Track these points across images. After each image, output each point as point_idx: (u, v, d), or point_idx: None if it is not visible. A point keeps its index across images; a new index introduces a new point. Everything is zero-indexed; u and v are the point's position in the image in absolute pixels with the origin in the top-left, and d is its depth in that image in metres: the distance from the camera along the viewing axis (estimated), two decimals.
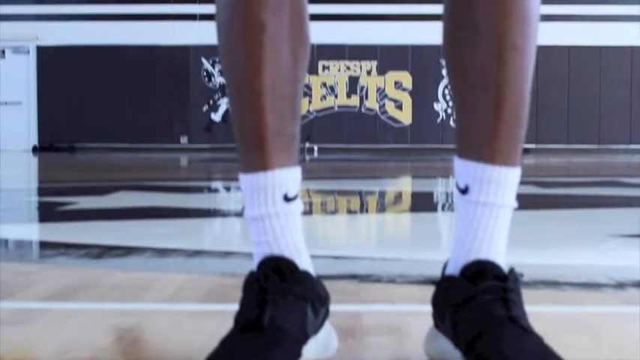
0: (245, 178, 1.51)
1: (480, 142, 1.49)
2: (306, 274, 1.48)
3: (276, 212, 1.48)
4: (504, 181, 1.48)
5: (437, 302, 1.51)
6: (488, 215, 1.48)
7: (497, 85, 1.46)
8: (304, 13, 1.54)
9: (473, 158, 1.49)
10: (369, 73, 19.27)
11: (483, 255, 1.48)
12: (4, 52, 19.56)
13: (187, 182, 8.45)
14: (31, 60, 19.45)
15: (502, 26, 1.46)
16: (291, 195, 1.50)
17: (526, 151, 11.90)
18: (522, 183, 1.51)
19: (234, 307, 1.44)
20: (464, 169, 1.51)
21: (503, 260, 1.48)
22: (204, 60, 19.13)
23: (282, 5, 1.48)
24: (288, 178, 1.49)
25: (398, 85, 19.25)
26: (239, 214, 4.78)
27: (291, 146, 1.51)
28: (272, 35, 1.46)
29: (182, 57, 19.16)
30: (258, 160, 1.48)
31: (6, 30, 19.18)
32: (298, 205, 1.51)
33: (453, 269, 1.50)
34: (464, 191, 1.51)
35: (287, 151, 1.50)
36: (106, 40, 19.03)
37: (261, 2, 1.46)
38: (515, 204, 1.50)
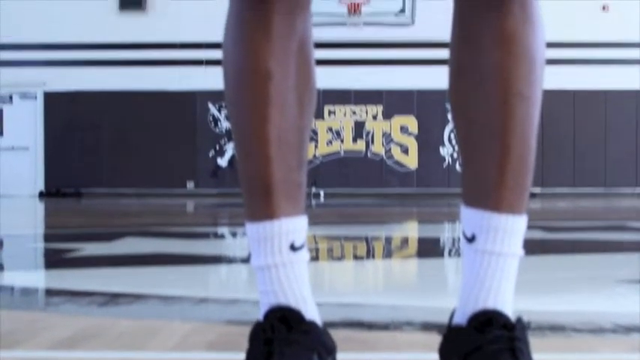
0: (251, 227, 1.50)
1: (487, 190, 1.48)
2: (312, 324, 1.47)
3: (282, 262, 1.48)
4: (511, 230, 1.48)
5: (444, 352, 1.50)
6: (495, 264, 1.48)
7: (503, 134, 1.46)
8: (311, 62, 1.54)
9: (479, 206, 1.49)
10: (374, 117, 19.32)
11: (490, 304, 1.47)
12: (11, 97, 19.66)
13: (194, 228, 8.44)
14: (38, 105, 19.54)
15: (507, 74, 1.46)
16: (297, 244, 1.50)
17: (532, 195, 11.88)
18: (529, 227, 1.50)
19: (241, 356, 1.43)
20: (470, 217, 1.51)
21: (511, 309, 1.48)
22: (210, 105, 19.20)
23: (289, 54, 1.49)
24: (295, 227, 1.49)
25: (404, 129, 19.29)
26: (245, 260, 4.77)
27: (298, 195, 1.51)
28: (278, 84, 1.47)
29: (188, 102, 19.24)
30: (264, 209, 1.48)
31: (13, 76, 19.30)
32: (304, 255, 1.50)
33: (460, 318, 1.49)
34: (470, 240, 1.50)
35: (293, 199, 1.50)
36: (112, 86, 19.13)
37: (268, 51, 1.47)
38: (522, 253, 1.49)
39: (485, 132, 1.48)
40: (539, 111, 1.51)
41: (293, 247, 1.49)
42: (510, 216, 1.47)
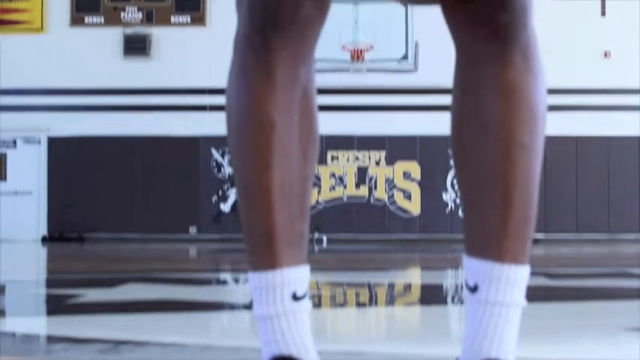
0: (253, 277, 1.51)
1: (489, 240, 1.49)
2: None
3: (284, 311, 1.48)
4: (514, 280, 1.48)
5: None
6: (498, 314, 1.48)
7: (505, 184, 1.47)
8: (314, 111, 1.55)
9: (482, 256, 1.49)
10: (377, 163, 19.35)
11: (494, 354, 1.46)
12: (15, 142, 19.71)
13: (196, 274, 8.42)
14: (42, 150, 19.59)
15: (509, 125, 1.47)
16: (299, 294, 1.50)
17: (535, 241, 11.87)
18: (532, 274, 1.50)
19: None
20: (473, 267, 1.51)
21: (514, 358, 1.47)
22: (213, 150, 19.25)
23: (293, 104, 1.49)
24: (297, 276, 1.49)
25: (407, 175, 19.31)
26: (248, 307, 4.75)
27: (300, 244, 1.51)
28: (282, 134, 1.48)
29: (192, 147, 19.28)
30: (266, 258, 1.48)
31: (17, 121, 19.37)
32: (307, 304, 1.50)
33: None
34: (473, 290, 1.50)
35: (296, 249, 1.50)
36: (116, 131, 19.19)
37: (272, 101, 1.47)
38: (525, 303, 1.49)
39: (487, 182, 1.48)
40: (542, 160, 1.52)
41: (295, 297, 1.49)
42: (513, 266, 1.47)
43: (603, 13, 19.31)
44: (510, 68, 1.47)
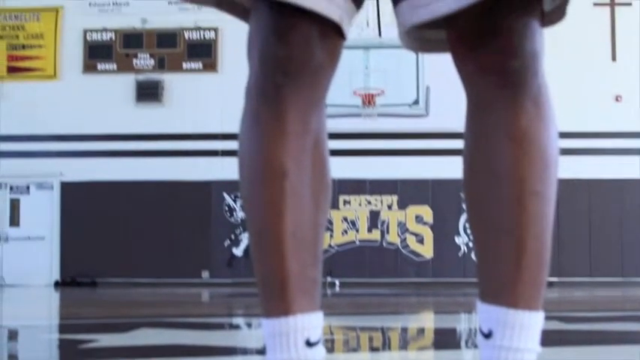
0: (267, 323, 1.51)
1: (503, 286, 1.49)
2: None
3: (298, 358, 1.48)
4: (528, 326, 1.48)
5: None
6: None
7: (518, 231, 1.47)
8: (325, 159, 1.56)
9: (495, 302, 1.49)
10: (389, 207, 19.35)
11: None
12: (28, 188, 19.79)
13: (209, 318, 8.40)
14: (55, 195, 19.66)
15: (522, 172, 1.48)
16: (313, 340, 1.50)
17: (549, 284, 11.83)
18: (546, 318, 1.50)
19: None
20: (487, 313, 1.51)
21: None
22: (225, 195, 19.28)
23: (305, 152, 1.50)
24: (310, 323, 1.49)
25: (419, 219, 19.30)
26: (261, 352, 4.73)
27: (313, 291, 1.52)
28: (294, 181, 1.49)
29: (204, 192, 19.32)
30: (279, 305, 1.49)
31: (31, 166, 19.47)
32: (320, 350, 1.50)
33: None
34: (487, 335, 1.50)
35: (309, 295, 1.50)
36: (128, 176, 19.26)
37: (284, 149, 1.48)
38: (539, 349, 1.49)
39: (500, 229, 1.49)
40: (554, 205, 1.52)
41: (309, 343, 1.49)
42: (527, 312, 1.47)
43: (614, 58, 19.37)
44: (522, 115, 1.48)
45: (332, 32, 1.50)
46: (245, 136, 1.53)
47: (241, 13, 1.65)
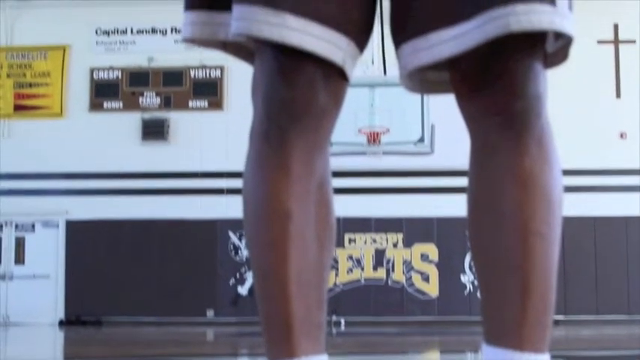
0: None
1: (508, 328, 1.48)
2: None
3: None
4: None
5: None
6: None
7: (522, 272, 1.47)
8: (330, 201, 1.56)
9: (501, 345, 1.49)
10: (395, 245, 19.31)
11: None
12: (33, 226, 19.80)
13: (214, 358, 8.37)
14: (60, 233, 19.65)
15: (526, 214, 1.48)
16: None
17: (555, 322, 11.76)
18: (552, 357, 1.49)
19: None
20: (492, 355, 1.50)
21: None
22: (230, 233, 19.26)
23: (309, 194, 1.51)
24: None
25: (424, 257, 19.25)
26: None
27: (318, 333, 1.51)
28: (298, 224, 1.49)
29: (209, 230, 19.30)
30: (284, 348, 1.48)
31: (36, 204, 19.48)
32: None
33: None
34: None
35: (313, 338, 1.50)
36: (134, 214, 19.26)
37: (288, 191, 1.49)
38: None
39: (505, 270, 1.49)
40: (559, 246, 1.52)
41: None
42: (533, 354, 1.46)
43: (618, 95, 19.42)
44: (525, 157, 1.49)
45: (335, 75, 1.51)
46: (249, 178, 1.54)
47: (246, 55, 1.67)
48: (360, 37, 1.55)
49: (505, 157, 1.50)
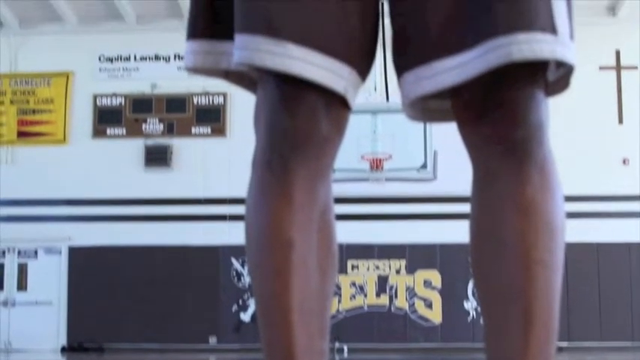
0: None
1: (511, 357, 1.48)
2: None
3: None
4: None
5: None
6: None
7: (525, 301, 1.47)
8: (332, 228, 1.57)
9: None
10: (398, 272, 19.28)
11: None
12: (36, 252, 19.78)
13: None
14: (63, 260, 19.62)
15: (528, 242, 1.48)
16: None
17: (559, 349, 11.72)
18: None
19: None
20: None
21: None
22: (233, 260, 19.23)
23: (311, 222, 1.51)
24: None
25: (427, 283, 19.21)
26: None
27: None
28: (300, 253, 1.49)
29: (211, 257, 19.27)
30: None
31: (39, 231, 19.47)
32: None
33: None
34: None
35: None
36: (136, 241, 19.24)
37: (291, 220, 1.49)
38: None
39: (507, 298, 1.49)
40: (562, 274, 1.52)
41: None
42: None
43: (620, 121, 19.44)
44: (527, 185, 1.49)
45: (337, 103, 1.52)
46: (252, 206, 1.54)
47: (248, 84, 1.68)
48: (362, 66, 1.55)
49: (507, 186, 1.50)
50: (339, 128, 1.54)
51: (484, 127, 1.53)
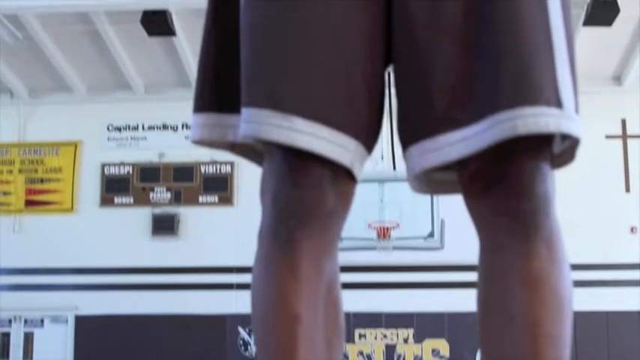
0: None
1: None
2: None
3: None
4: None
5: None
6: None
7: None
8: (339, 301, 1.56)
9: None
10: (405, 341, 19.13)
11: None
12: (42, 321, 19.70)
13: None
14: (69, 329, 19.53)
15: (536, 315, 1.47)
16: None
17: None
18: None
19: None
20: None
21: None
22: (240, 329, 19.12)
23: (318, 295, 1.51)
24: None
25: (435, 352, 19.05)
26: None
27: None
28: (307, 326, 1.48)
29: (218, 326, 19.17)
30: None
31: (45, 300, 19.41)
32: None
33: None
34: None
35: None
36: (143, 310, 19.15)
37: (297, 294, 1.49)
38: None
39: None
40: (570, 347, 1.51)
41: None
42: None
43: (627, 189, 19.43)
44: (534, 259, 1.48)
45: (344, 176, 1.52)
46: (258, 279, 1.54)
47: (255, 156, 1.68)
48: (369, 139, 1.56)
49: (513, 259, 1.50)
50: (346, 201, 1.55)
51: (490, 199, 1.53)
